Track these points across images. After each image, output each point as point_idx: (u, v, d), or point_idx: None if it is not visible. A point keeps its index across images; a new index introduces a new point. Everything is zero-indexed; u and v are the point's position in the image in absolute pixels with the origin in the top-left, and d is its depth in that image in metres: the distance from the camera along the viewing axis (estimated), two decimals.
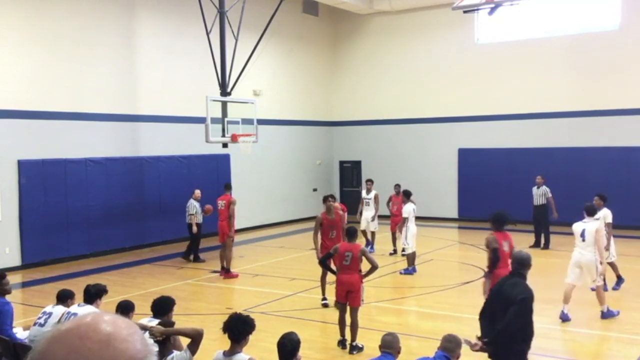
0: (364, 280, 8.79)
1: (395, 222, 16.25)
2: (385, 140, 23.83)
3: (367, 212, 16.41)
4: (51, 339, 1.14)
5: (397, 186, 16.82)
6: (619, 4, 19.72)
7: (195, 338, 5.23)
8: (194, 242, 15.87)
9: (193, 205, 15.65)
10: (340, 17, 24.29)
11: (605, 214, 11.87)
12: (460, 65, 22.11)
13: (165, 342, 5.28)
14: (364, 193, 16.75)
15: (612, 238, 11.97)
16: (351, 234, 8.95)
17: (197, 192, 15.86)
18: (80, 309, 6.83)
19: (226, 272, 13.91)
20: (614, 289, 11.88)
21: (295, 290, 12.53)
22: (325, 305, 10.94)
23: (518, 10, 19.27)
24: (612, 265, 12.03)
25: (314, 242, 11.17)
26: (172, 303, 6.42)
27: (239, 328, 5.18)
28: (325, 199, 11.55)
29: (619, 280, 12.16)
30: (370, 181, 17.15)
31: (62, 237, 15.62)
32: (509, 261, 7.93)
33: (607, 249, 11.73)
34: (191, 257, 15.85)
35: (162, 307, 6.32)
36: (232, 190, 14.69)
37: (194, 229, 15.59)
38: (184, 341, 5.53)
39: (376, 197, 16.40)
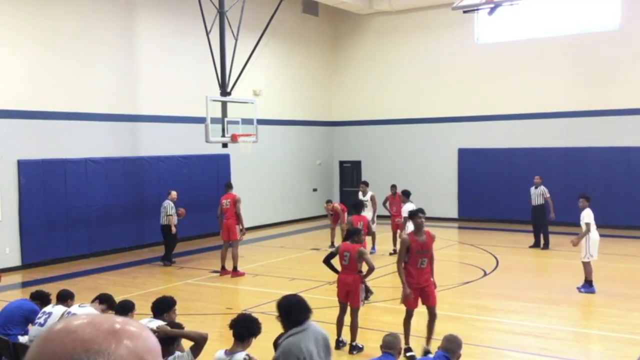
0: (363, 281, 8.80)
1: (396, 221, 16.25)
2: (385, 140, 23.82)
3: (366, 214, 16.33)
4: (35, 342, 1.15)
5: (393, 187, 16.83)
6: (619, 4, 19.71)
7: (199, 342, 5.24)
8: (172, 244, 15.52)
9: (171, 206, 15.38)
10: (340, 17, 24.28)
11: (582, 215, 11.83)
12: (460, 65, 22.11)
13: (170, 344, 5.29)
14: (360, 195, 16.67)
15: (589, 239, 11.65)
16: (354, 234, 9.01)
17: (174, 193, 15.58)
18: (81, 310, 6.84)
19: (234, 271, 13.97)
20: (578, 289, 11.69)
21: (295, 290, 12.47)
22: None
23: (518, 10, 19.26)
24: (586, 265, 11.76)
25: (398, 270, 8.39)
26: (172, 303, 6.39)
27: (246, 326, 5.24)
28: (415, 215, 8.52)
29: (588, 284, 11.71)
30: (364, 183, 17.08)
31: (62, 237, 15.61)
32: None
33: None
34: (172, 259, 15.50)
35: (161, 307, 6.30)
36: (232, 190, 14.69)
37: (173, 229, 15.26)
38: (185, 343, 5.54)
39: (372, 198, 16.34)
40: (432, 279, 8.44)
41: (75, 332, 1.08)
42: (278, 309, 4.77)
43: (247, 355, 5.11)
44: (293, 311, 4.66)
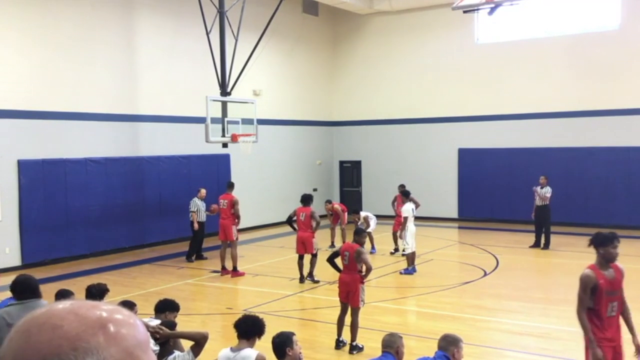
0: (363, 281, 8.82)
1: (399, 222, 16.22)
2: (385, 140, 23.82)
3: (371, 229, 16.25)
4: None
5: (402, 186, 16.75)
6: (619, 4, 19.71)
7: (200, 341, 5.24)
8: (195, 241, 15.89)
9: (195, 203, 15.75)
10: (340, 17, 24.29)
11: None
12: (460, 65, 22.11)
13: (166, 343, 5.29)
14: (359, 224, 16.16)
15: None
16: (356, 234, 9.08)
17: (203, 191, 16.01)
18: None
19: (234, 271, 13.97)
20: None
21: (295, 290, 12.53)
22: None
23: (518, 10, 19.28)
24: None
25: (581, 321, 5.84)
26: (177, 308, 6.41)
27: (250, 324, 5.38)
28: (609, 242, 5.94)
29: None
30: (355, 212, 16.78)
31: (62, 237, 15.61)
32: (306, 226, 13.06)
33: None
34: (193, 257, 15.84)
35: (166, 308, 6.33)
36: (233, 190, 14.72)
37: (195, 226, 15.64)
38: (185, 342, 5.54)
39: (365, 219, 16.19)
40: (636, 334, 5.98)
41: (61, 326, 0.99)
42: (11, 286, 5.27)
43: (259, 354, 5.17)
44: (17, 289, 5.11)
